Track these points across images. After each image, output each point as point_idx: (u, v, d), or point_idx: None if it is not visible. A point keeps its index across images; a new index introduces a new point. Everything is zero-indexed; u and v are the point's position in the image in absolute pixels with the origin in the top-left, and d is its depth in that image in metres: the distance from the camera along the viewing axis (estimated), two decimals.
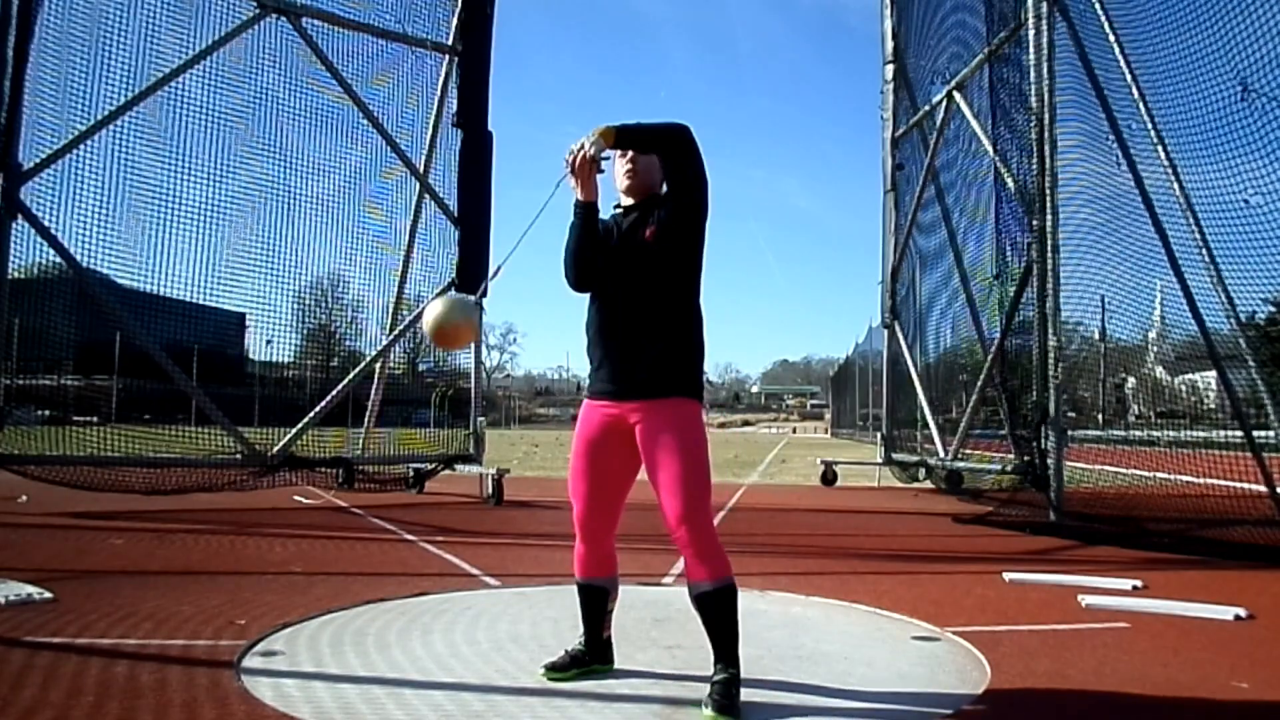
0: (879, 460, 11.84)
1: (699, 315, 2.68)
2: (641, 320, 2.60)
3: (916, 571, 4.98)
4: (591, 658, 2.80)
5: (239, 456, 7.69)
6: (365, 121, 8.58)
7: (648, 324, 2.60)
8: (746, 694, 2.56)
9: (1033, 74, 7.32)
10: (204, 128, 7.84)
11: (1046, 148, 7.10)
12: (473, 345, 9.57)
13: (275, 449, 7.91)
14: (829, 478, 11.30)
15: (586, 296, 2.73)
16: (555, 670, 2.74)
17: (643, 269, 2.62)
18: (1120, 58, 6.85)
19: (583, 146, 2.58)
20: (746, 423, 79.61)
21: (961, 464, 9.54)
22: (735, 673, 2.49)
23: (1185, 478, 6.64)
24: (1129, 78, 6.80)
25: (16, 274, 6.92)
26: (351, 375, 8.85)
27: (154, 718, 2.30)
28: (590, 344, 2.71)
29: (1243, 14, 5.67)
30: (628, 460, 2.66)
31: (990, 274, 8.81)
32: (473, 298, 2.92)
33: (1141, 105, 6.72)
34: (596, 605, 2.80)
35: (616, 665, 2.84)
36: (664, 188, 2.72)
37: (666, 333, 2.60)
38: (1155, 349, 8.44)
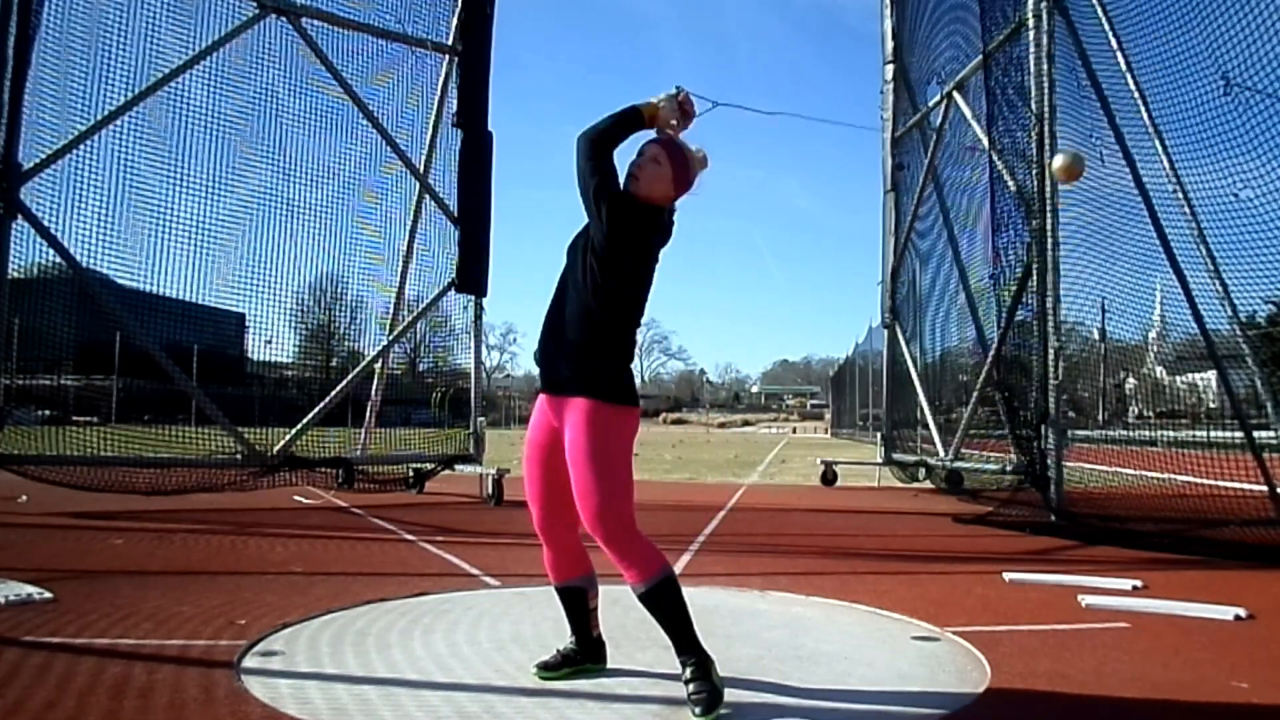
0: (879, 460, 11.84)
1: (622, 322, 2.59)
2: (566, 316, 2.58)
3: (916, 571, 4.98)
4: (583, 656, 2.79)
5: (239, 456, 7.69)
6: (365, 121, 8.58)
7: (570, 320, 2.58)
8: (747, 694, 2.57)
9: (1032, 73, 7.32)
10: (204, 128, 7.85)
11: (1046, 147, 7.09)
12: (472, 345, 9.59)
13: (275, 449, 7.91)
14: (829, 478, 11.30)
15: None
16: (547, 670, 2.73)
17: (577, 267, 2.60)
18: (1120, 56, 6.85)
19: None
20: (746, 423, 79.52)
21: (961, 464, 9.54)
22: (700, 658, 2.48)
23: (1185, 478, 6.64)
24: (1129, 77, 6.80)
25: (16, 274, 6.92)
26: (351, 375, 8.85)
27: (153, 718, 2.30)
28: None
29: (1234, 11, 5.68)
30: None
31: (987, 274, 8.81)
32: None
33: (1141, 104, 6.72)
34: (578, 606, 2.78)
35: (616, 665, 2.84)
36: (670, 203, 2.69)
37: (583, 331, 2.55)
38: (1155, 349, 8.44)
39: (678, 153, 2.67)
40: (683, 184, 2.69)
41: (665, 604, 2.50)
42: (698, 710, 2.39)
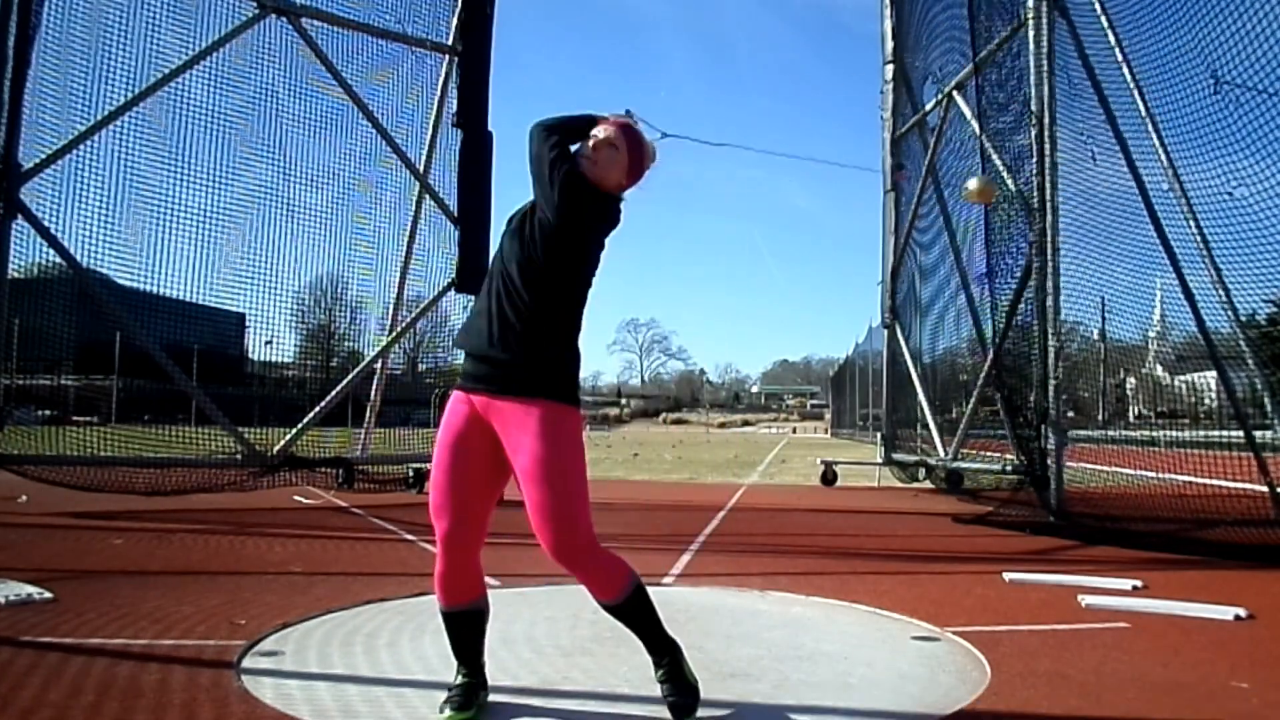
0: (879, 460, 11.84)
1: (573, 312, 2.41)
2: (511, 306, 2.34)
3: (916, 571, 4.98)
4: (480, 684, 2.47)
5: (239, 457, 7.68)
6: (365, 121, 8.58)
7: (517, 311, 2.33)
8: (747, 694, 2.58)
9: (1032, 74, 7.32)
10: (204, 128, 7.84)
11: (1046, 148, 7.09)
12: None
13: (275, 449, 7.90)
14: (829, 478, 11.30)
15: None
16: (464, 711, 2.37)
17: (522, 252, 2.38)
18: (1120, 57, 6.84)
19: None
20: (746, 423, 79.56)
21: (961, 464, 9.54)
22: (673, 656, 2.41)
23: (1185, 478, 6.64)
24: (1129, 77, 6.80)
25: (16, 274, 6.91)
26: (351, 375, 8.85)
27: (153, 717, 2.30)
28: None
29: (1233, 9, 5.68)
30: (495, 460, 2.37)
31: (987, 273, 8.80)
32: None
33: (1141, 104, 6.72)
34: (477, 629, 2.47)
35: (614, 665, 2.83)
36: (620, 191, 2.51)
37: (534, 324, 2.33)
38: (1155, 349, 8.44)
39: (634, 137, 2.51)
40: (636, 172, 2.51)
41: (636, 613, 2.40)
42: (676, 715, 2.34)
